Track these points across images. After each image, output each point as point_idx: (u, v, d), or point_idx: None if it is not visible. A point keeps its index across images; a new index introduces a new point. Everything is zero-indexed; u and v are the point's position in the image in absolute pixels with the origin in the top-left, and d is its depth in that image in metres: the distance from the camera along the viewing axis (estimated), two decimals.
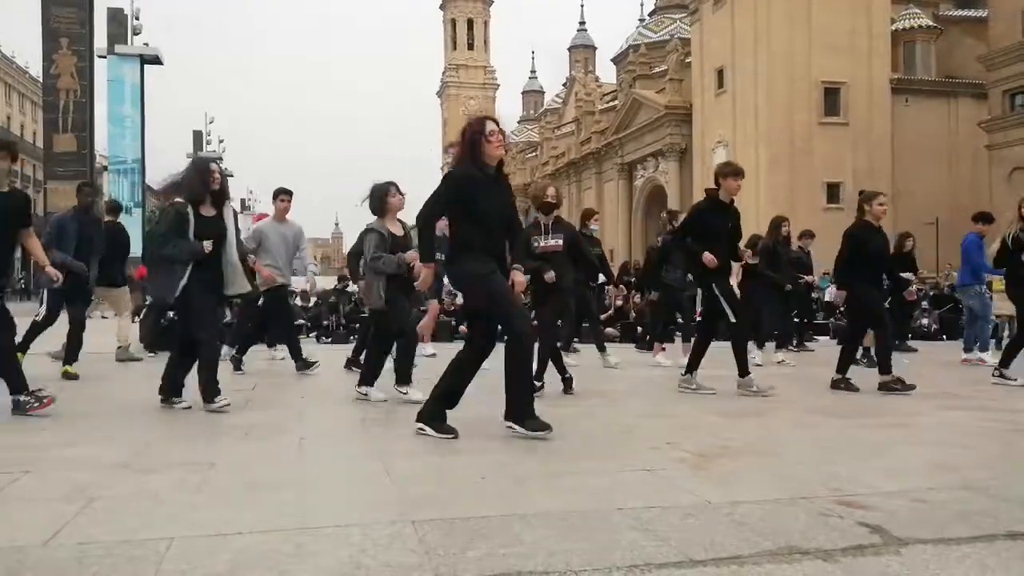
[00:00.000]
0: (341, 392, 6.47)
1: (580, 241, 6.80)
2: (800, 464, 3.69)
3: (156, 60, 34.10)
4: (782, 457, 3.92)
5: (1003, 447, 4.35)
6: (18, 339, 5.78)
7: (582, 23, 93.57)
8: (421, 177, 71.04)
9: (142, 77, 33.40)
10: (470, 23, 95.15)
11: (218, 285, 5.37)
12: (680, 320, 10.19)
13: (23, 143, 46.24)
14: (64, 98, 31.99)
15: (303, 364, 8.01)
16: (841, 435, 4.59)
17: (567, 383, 6.37)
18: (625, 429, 4.79)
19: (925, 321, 15.74)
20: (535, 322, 5.96)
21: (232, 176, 37.61)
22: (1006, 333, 11.85)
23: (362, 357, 7.22)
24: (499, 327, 4.34)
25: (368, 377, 5.95)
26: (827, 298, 16.71)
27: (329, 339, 14.25)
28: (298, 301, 15.09)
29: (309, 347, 9.67)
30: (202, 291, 5.25)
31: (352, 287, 16.79)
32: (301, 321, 13.75)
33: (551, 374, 6.29)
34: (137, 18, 33.68)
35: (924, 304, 16.21)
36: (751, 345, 8.00)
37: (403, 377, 5.94)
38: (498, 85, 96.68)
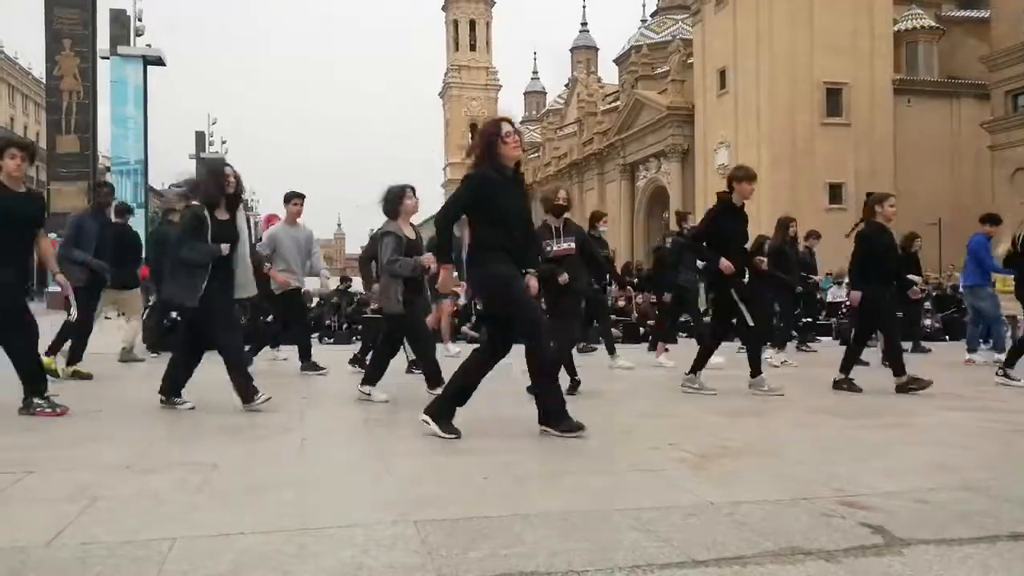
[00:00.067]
0: (343, 392, 6.47)
1: (589, 243, 6.84)
2: (801, 464, 3.69)
3: (159, 61, 34.13)
4: (783, 457, 3.92)
5: (1003, 448, 4.34)
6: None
7: (584, 24, 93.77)
8: (423, 178, 71.05)
9: (145, 78, 33.43)
10: (472, 24, 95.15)
11: (231, 287, 5.39)
12: (691, 322, 10.25)
13: None
14: (67, 99, 32.00)
15: (311, 365, 8.03)
16: (841, 435, 4.59)
17: (574, 385, 6.38)
18: (626, 429, 4.79)
19: (928, 321, 15.72)
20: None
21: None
22: (1008, 333, 11.84)
23: (367, 357, 7.23)
24: (516, 330, 4.37)
25: (372, 377, 5.96)
26: (829, 298, 16.71)
27: (332, 339, 14.26)
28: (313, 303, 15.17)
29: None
30: (221, 294, 5.27)
31: (353, 287, 16.87)
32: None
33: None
34: (140, 19, 33.72)
35: (927, 305, 16.19)
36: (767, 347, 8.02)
37: (434, 380, 5.89)
38: (500, 86, 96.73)
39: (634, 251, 47.27)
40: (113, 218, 8.54)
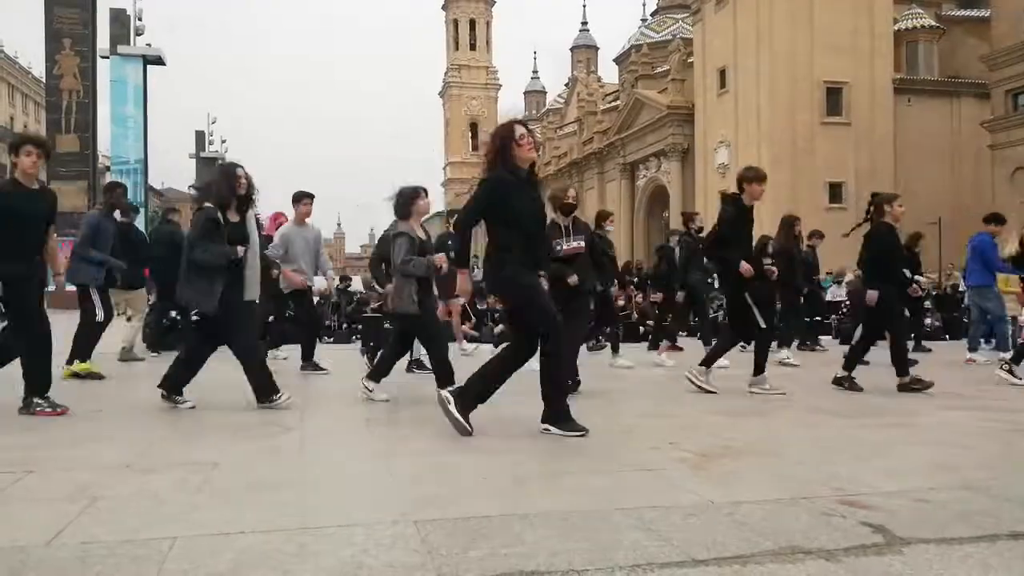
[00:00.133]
0: (343, 392, 6.48)
1: (596, 242, 6.86)
2: (801, 464, 3.69)
3: (159, 61, 34.13)
4: (783, 457, 3.92)
5: (1003, 447, 4.34)
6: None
7: (584, 23, 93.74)
8: (423, 178, 71.06)
9: (145, 77, 33.43)
10: (472, 23, 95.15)
11: (244, 289, 5.40)
12: (699, 322, 10.28)
13: None
14: (67, 99, 31.98)
15: (312, 365, 8.03)
16: (842, 435, 4.59)
17: (574, 385, 6.38)
18: (626, 429, 4.79)
19: (928, 320, 15.73)
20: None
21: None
22: (1010, 332, 11.84)
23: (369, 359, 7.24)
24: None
25: (376, 374, 5.97)
26: (828, 297, 16.70)
27: (331, 339, 14.26)
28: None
29: None
30: (237, 296, 5.28)
31: (353, 287, 16.88)
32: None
33: None
34: (140, 19, 33.72)
35: (927, 304, 16.19)
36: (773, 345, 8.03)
37: (445, 380, 5.87)
38: (500, 85, 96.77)
39: (634, 250, 47.27)
40: (119, 217, 8.56)
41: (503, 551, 2.34)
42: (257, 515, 2.71)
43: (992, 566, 2.26)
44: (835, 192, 38.42)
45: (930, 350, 11.25)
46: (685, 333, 12.65)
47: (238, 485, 3.21)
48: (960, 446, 4.21)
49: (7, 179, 5.10)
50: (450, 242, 8.16)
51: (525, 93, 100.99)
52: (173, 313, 10.35)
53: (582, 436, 4.23)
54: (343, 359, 9.39)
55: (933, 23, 42.48)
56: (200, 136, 50.02)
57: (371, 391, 5.86)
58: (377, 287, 7.74)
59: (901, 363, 6.69)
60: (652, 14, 70.25)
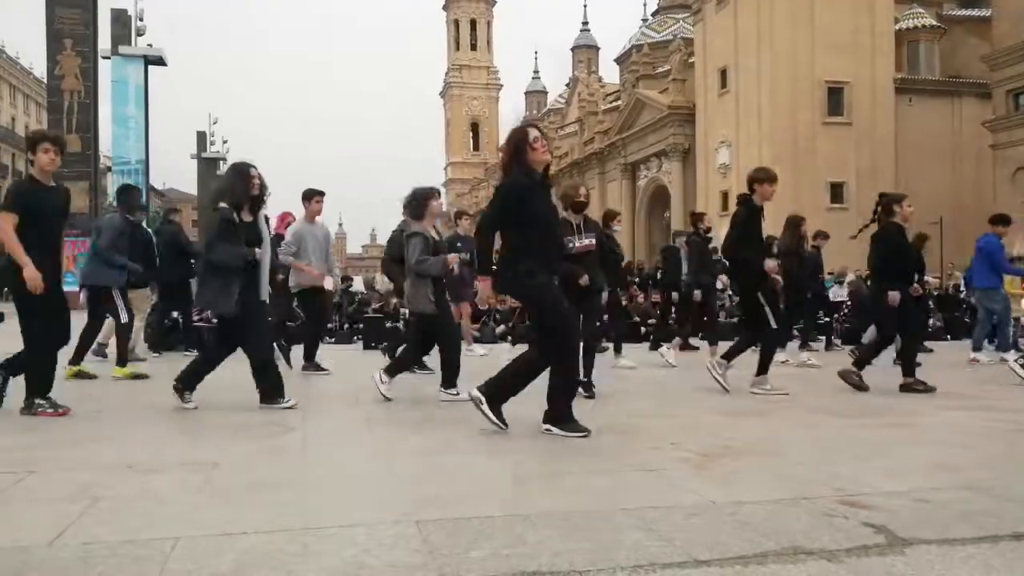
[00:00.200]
0: (344, 392, 6.48)
1: (605, 241, 6.88)
2: (802, 464, 3.69)
3: (160, 61, 34.21)
4: (784, 457, 3.91)
5: (1006, 447, 4.34)
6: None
7: (585, 23, 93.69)
8: (424, 178, 71.08)
9: (146, 78, 33.50)
10: (473, 23, 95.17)
11: (258, 290, 5.39)
12: (708, 323, 10.29)
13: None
14: (68, 99, 32.05)
15: (313, 366, 8.02)
16: (842, 435, 4.59)
17: (587, 387, 6.37)
18: (628, 429, 4.79)
19: (930, 320, 15.72)
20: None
21: None
22: (1012, 332, 11.83)
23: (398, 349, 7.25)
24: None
25: (394, 369, 5.97)
26: (830, 297, 16.69)
27: (332, 339, 14.26)
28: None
29: None
30: (253, 296, 5.28)
31: (354, 287, 16.88)
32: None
33: None
34: (141, 19, 33.82)
35: (929, 304, 16.19)
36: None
37: (450, 381, 5.89)
38: (501, 85, 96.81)
39: (635, 250, 47.24)
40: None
41: (505, 551, 2.34)
42: (259, 515, 2.72)
43: (994, 567, 2.26)
44: (836, 192, 38.40)
45: (931, 350, 11.24)
46: (700, 335, 12.65)
47: (239, 485, 3.21)
48: (962, 446, 4.21)
49: (24, 177, 5.11)
50: (459, 243, 8.19)
51: (526, 93, 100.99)
52: (175, 313, 10.36)
53: (584, 437, 4.23)
54: (344, 359, 9.39)
55: (934, 23, 42.47)
56: (202, 137, 50.11)
57: (384, 384, 5.81)
58: (377, 289, 7.76)
59: (909, 363, 6.72)
60: (653, 14, 70.26)
